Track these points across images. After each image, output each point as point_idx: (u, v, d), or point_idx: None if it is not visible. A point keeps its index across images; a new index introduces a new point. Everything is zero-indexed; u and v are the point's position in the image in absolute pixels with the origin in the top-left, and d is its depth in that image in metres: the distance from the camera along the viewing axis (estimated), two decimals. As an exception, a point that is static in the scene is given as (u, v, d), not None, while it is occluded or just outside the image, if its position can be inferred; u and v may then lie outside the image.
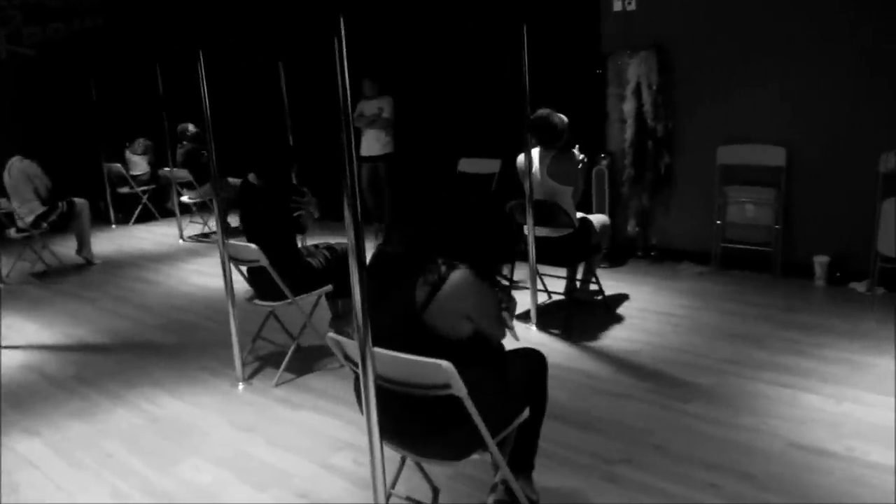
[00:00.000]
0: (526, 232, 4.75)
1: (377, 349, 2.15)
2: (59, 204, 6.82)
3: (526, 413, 2.43)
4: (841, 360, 3.87)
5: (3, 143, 7.57)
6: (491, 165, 6.95)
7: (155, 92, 7.83)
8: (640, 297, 5.16)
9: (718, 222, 5.66)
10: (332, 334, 2.39)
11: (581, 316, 4.74)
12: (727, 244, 5.68)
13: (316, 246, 4.24)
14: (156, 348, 4.68)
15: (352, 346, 2.31)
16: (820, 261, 5.18)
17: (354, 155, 2.01)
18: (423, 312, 2.19)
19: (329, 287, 4.11)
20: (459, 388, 2.08)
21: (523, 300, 4.95)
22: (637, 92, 5.83)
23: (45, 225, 6.75)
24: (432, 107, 7.59)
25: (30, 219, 6.66)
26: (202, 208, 8.53)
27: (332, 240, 4.54)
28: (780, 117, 5.33)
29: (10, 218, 6.75)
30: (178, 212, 8.17)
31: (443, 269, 2.20)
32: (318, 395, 3.79)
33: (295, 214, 3.98)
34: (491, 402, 2.22)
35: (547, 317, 4.76)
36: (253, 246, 3.73)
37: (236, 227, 8.22)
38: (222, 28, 8.93)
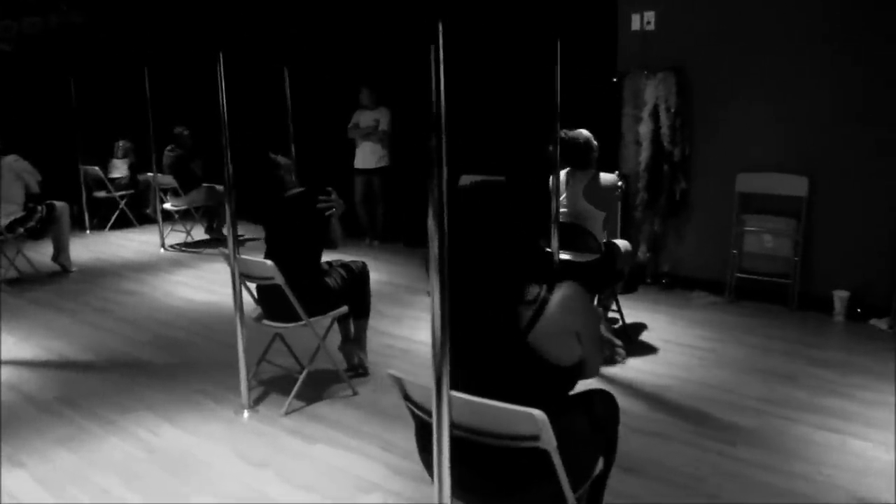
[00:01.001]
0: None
1: (454, 393, 1.87)
2: (39, 208, 6.40)
3: (601, 465, 2.18)
4: (882, 403, 3.69)
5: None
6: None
7: (141, 94, 7.46)
8: (657, 326, 4.95)
9: (734, 251, 5.49)
10: (393, 372, 2.10)
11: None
12: (742, 274, 5.50)
13: (329, 264, 3.94)
14: (145, 367, 4.32)
15: (419, 390, 2.02)
16: (840, 295, 5.02)
17: (442, 166, 1.75)
18: (527, 334, 1.93)
19: (345, 309, 3.82)
20: (549, 441, 1.81)
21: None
22: (654, 114, 5.65)
23: (21, 230, 6.32)
24: (431, 119, 7.32)
25: (5, 222, 6.24)
26: (185, 216, 8.15)
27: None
28: (804, 146, 5.19)
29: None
30: (160, 219, 7.77)
31: (542, 287, 1.96)
32: (332, 427, 3.48)
33: (327, 213, 3.68)
34: (574, 453, 1.96)
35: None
36: (268, 262, 3.43)
37: (215, 238, 7.95)
38: (228, 30, 8.60)
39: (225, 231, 8.08)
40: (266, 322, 3.76)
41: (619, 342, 2.29)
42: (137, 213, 9.09)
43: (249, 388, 3.74)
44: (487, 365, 2.02)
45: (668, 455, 3.20)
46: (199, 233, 8.14)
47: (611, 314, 4.80)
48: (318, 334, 3.68)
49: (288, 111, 5.74)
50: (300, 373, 4.03)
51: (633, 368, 4.19)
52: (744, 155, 5.46)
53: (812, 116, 5.11)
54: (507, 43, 6.59)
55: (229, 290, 5.90)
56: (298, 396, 3.71)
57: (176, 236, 8.12)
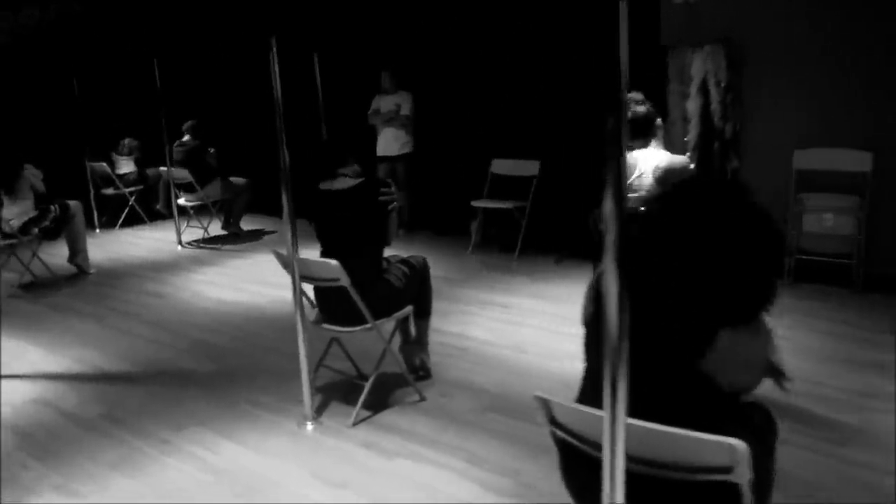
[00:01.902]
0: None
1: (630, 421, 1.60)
2: (52, 207, 6.08)
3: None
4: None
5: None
6: (528, 167, 6.44)
7: (150, 87, 7.11)
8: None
9: (793, 232, 5.23)
10: (540, 394, 1.83)
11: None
12: (801, 255, 5.25)
13: (387, 260, 3.66)
14: (189, 377, 4.04)
15: (573, 415, 1.75)
16: (909, 274, 4.78)
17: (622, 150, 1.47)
18: (701, 359, 1.66)
19: (410, 309, 3.55)
20: (742, 474, 1.55)
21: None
22: (703, 89, 5.37)
23: (35, 231, 6.00)
24: (458, 102, 7.04)
25: (18, 223, 5.92)
26: (200, 211, 7.83)
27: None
28: (866, 118, 4.92)
29: (-8, 222, 5.99)
30: (175, 215, 7.46)
31: None
32: (407, 438, 3.21)
33: (389, 208, 3.40)
34: (755, 484, 1.70)
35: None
36: (333, 262, 3.14)
37: (233, 233, 7.63)
38: (255, 18, 8.26)
39: (243, 226, 7.81)
40: (326, 326, 3.48)
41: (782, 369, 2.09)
42: (147, 209, 8.77)
43: (306, 397, 3.46)
44: (647, 388, 1.75)
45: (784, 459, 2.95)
46: (214, 228, 7.83)
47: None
48: (383, 338, 3.41)
49: (318, 98, 5.42)
50: (358, 378, 3.79)
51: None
52: (800, 130, 5.20)
53: (874, 87, 4.84)
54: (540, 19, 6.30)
55: (258, 289, 5.69)
56: (363, 404, 3.44)
57: (192, 232, 7.80)
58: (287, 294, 5.35)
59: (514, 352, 4.18)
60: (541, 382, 3.73)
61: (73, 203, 6.27)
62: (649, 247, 1.74)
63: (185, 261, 6.83)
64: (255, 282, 5.91)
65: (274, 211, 8.59)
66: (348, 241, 3.40)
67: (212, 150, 7.49)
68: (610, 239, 1.47)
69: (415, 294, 3.60)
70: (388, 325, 3.51)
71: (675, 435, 1.59)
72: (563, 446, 1.86)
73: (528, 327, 4.55)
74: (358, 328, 3.35)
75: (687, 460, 1.62)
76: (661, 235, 1.75)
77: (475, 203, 6.46)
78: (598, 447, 1.61)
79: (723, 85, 5.31)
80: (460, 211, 6.77)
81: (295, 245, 3.20)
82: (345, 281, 3.15)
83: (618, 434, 1.53)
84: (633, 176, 4.05)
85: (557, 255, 6.21)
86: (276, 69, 3.00)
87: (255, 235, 7.75)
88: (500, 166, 6.64)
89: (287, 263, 3.34)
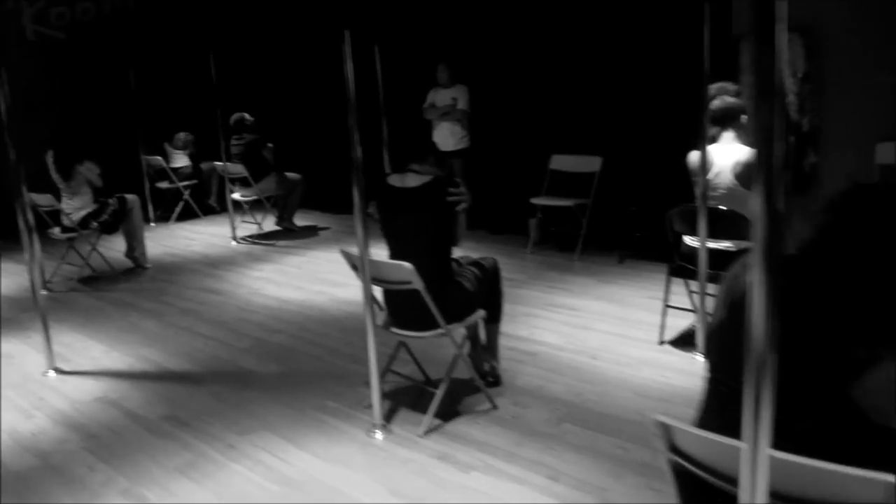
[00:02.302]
0: (689, 243, 4.06)
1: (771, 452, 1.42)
2: (110, 201, 6.08)
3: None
4: None
5: (34, 131, 6.78)
6: (589, 163, 6.24)
7: (205, 80, 7.08)
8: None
9: (876, 231, 4.95)
10: (663, 418, 1.67)
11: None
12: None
13: (458, 262, 3.51)
14: (253, 379, 3.96)
15: (702, 443, 1.59)
16: None
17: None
18: (853, 386, 1.49)
19: (482, 314, 3.40)
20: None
21: (679, 324, 4.27)
22: (780, 81, 5.11)
23: (94, 224, 6.01)
24: (516, 96, 6.86)
25: (78, 217, 5.92)
26: (254, 206, 7.79)
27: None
28: (960, 112, 4.62)
29: (52, 216, 6.01)
30: (230, 210, 7.43)
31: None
32: (482, 450, 3.07)
33: (458, 209, 3.26)
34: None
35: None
36: (406, 265, 3.00)
37: (287, 228, 7.56)
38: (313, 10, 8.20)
39: (296, 222, 7.75)
40: (395, 330, 3.35)
41: None
42: (200, 203, 8.79)
43: (376, 405, 3.34)
44: (788, 413, 1.57)
45: None
46: (268, 224, 7.79)
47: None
48: (456, 343, 3.27)
49: (379, 91, 5.29)
50: (425, 383, 3.67)
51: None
52: (884, 123, 4.91)
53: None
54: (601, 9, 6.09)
55: (318, 287, 5.60)
56: (434, 413, 3.31)
57: (245, 228, 7.77)
58: (347, 293, 5.31)
59: (585, 358, 4.01)
60: (616, 391, 3.57)
61: (130, 197, 6.27)
62: (810, 257, 1.56)
63: (241, 257, 6.79)
64: (314, 280, 5.83)
65: (326, 206, 8.54)
66: (417, 242, 3.26)
67: (270, 145, 7.42)
68: (758, 237, 1.31)
69: (485, 297, 3.45)
70: (461, 329, 3.37)
71: (822, 469, 1.41)
72: (684, 477, 1.70)
73: (597, 332, 4.37)
74: (430, 333, 3.21)
75: (834, 497, 1.44)
76: (829, 246, 1.57)
77: (535, 200, 6.29)
78: (732, 481, 1.46)
79: (800, 76, 5.05)
80: (518, 208, 6.61)
81: (366, 246, 3.08)
82: (418, 284, 3.02)
83: (760, 468, 1.37)
84: (711, 173, 3.85)
85: (620, 255, 6.01)
86: (350, 63, 2.86)
87: (310, 232, 7.68)
88: (560, 162, 6.44)
89: (357, 265, 3.22)
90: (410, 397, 3.58)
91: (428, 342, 3.43)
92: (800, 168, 5.20)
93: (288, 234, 7.60)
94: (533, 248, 6.35)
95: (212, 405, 3.63)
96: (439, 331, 3.18)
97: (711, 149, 3.88)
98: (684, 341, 4.16)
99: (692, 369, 3.79)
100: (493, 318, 3.58)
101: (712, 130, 3.87)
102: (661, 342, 4.17)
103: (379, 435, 3.22)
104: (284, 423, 3.40)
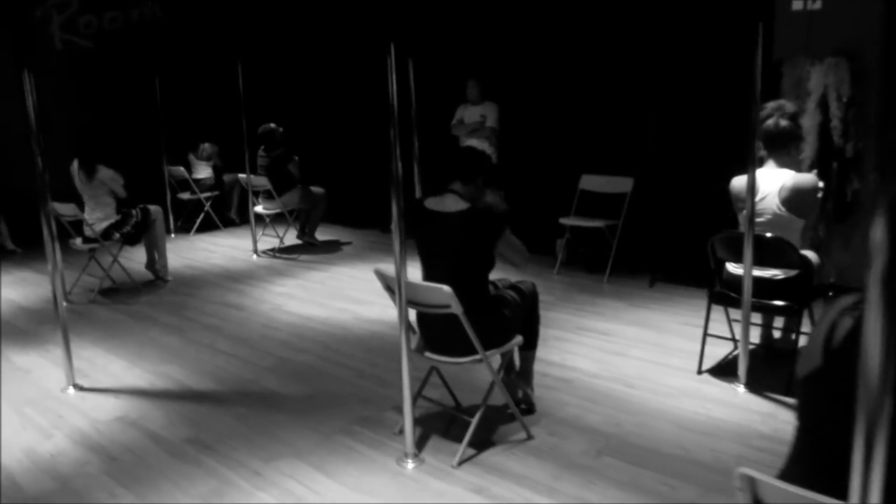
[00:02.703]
0: (732, 270, 3.92)
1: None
2: (133, 212, 6.00)
3: None
4: None
5: (61, 140, 6.74)
6: (621, 184, 6.10)
7: (232, 90, 7.02)
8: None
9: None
10: (747, 471, 1.52)
11: (782, 370, 3.86)
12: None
13: (495, 284, 3.38)
14: (276, 400, 3.83)
15: (796, 501, 1.44)
16: None
17: None
18: None
19: (520, 340, 3.27)
20: None
21: (717, 352, 4.12)
22: (822, 104, 4.97)
23: (117, 235, 5.92)
24: (545, 114, 6.76)
25: (100, 227, 5.85)
26: (276, 220, 7.70)
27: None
28: None
29: (75, 226, 5.93)
30: (252, 223, 7.34)
31: None
32: (520, 483, 2.92)
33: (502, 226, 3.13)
34: None
35: (755, 374, 3.87)
36: (446, 288, 2.88)
37: (308, 242, 7.45)
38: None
39: (318, 236, 7.65)
40: (428, 355, 3.22)
41: None
42: (220, 215, 8.72)
43: (402, 431, 3.21)
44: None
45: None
46: (289, 238, 7.69)
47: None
48: (492, 370, 3.13)
49: (412, 106, 5.18)
50: (456, 409, 3.54)
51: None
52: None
53: None
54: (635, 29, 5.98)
55: (342, 304, 5.47)
56: (462, 439, 3.16)
57: (266, 241, 7.68)
58: (372, 312, 5.19)
59: (622, 386, 3.86)
60: (656, 423, 3.42)
61: (153, 208, 6.20)
62: None
63: (262, 271, 6.69)
64: (338, 297, 5.71)
65: (348, 221, 8.45)
66: (452, 267, 3.12)
67: (296, 158, 7.33)
68: (877, 274, 1.17)
69: (522, 323, 3.32)
70: (498, 356, 3.24)
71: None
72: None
73: (633, 358, 4.22)
74: (467, 359, 3.08)
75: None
76: None
77: (564, 220, 6.16)
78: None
79: (845, 100, 4.90)
80: (545, 228, 6.48)
81: (404, 267, 2.95)
82: (456, 308, 2.89)
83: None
84: (756, 198, 3.71)
85: (651, 278, 5.86)
86: (394, 77, 2.75)
87: (332, 247, 7.58)
88: (590, 182, 6.31)
89: (391, 286, 3.10)
90: (441, 424, 3.45)
91: (459, 366, 3.30)
92: (842, 195, 5.04)
93: (309, 248, 7.50)
94: (560, 269, 6.21)
95: (236, 428, 3.51)
96: (476, 356, 3.05)
97: (758, 173, 3.74)
98: (724, 371, 4.00)
99: (734, 401, 3.64)
100: (530, 345, 3.44)
101: (761, 152, 3.74)
102: (700, 371, 4.01)
103: (410, 464, 3.09)
104: (311, 449, 3.27)
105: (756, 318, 4.16)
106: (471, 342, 2.99)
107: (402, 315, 3.02)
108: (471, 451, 3.15)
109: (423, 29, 7.25)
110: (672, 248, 5.90)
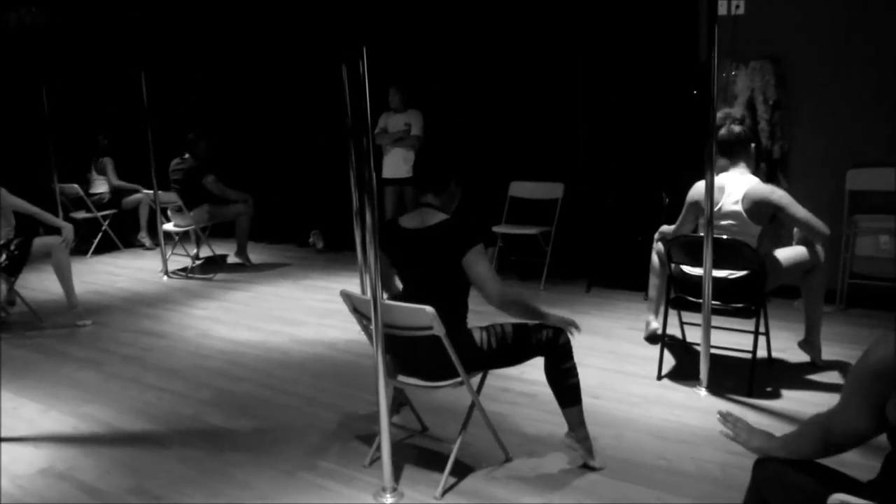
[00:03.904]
0: (687, 272, 3.91)
1: None
2: (12, 243, 5.26)
3: None
4: None
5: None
6: (551, 190, 6.08)
7: (136, 99, 6.53)
8: (784, 343, 4.36)
9: (846, 255, 4.98)
10: (841, 496, 1.41)
11: (737, 371, 3.88)
12: (855, 280, 5.00)
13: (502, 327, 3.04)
14: (224, 438, 3.49)
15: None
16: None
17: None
18: None
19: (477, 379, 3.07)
20: None
21: (670, 356, 4.10)
22: (750, 107, 5.09)
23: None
24: (472, 121, 6.65)
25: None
26: (185, 238, 7.22)
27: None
28: (926, 137, 4.70)
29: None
30: (162, 241, 6.84)
31: None
32: (510, 512, 2.76)
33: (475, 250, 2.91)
34: None
35: (713, 376, 3.87)
36: (429, 309, 2.67)
37: (216, 258, 6.96)
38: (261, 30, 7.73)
39: (218, 251, 7.21)
40: (403, 379, 3.00)
41: None
42: (121, 236, 8.10)
43: (373, 460, 2.98)
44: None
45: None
46: (201, 253, 7.23)
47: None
48: (473, 392, 2.95)
49: (347, 113, 4.88)
50: (423, 432, 3.33)
51: (796, 399, 3.59)
52: (853, 149, 4.96)
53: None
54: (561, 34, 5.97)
55: (274, 327, 5.11)
56: (443, 469, 2.96)
57: (173, 261, 7.18)
58: (307, 333, 4.90)
59: (587, 397, 3.68)
60: (632, 434, 3.35)
61: (47, 240, 5.42)
62: None
63: (177, 293, 6.24)
64: (268, 319, 5.37)
65: (262, 236, 8.05)
66: (437, 283, 2.90)
67: (211, 178, 6.76)
68: None
69: (503, 362, 3.01)
70: (476, 378, 3.05)
71: None
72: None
73: (590, 367, 4.14)
74: (447, 383, 2.88)
75: None
76: None
77: (496, 228, 6.06)
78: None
79: (771, 103, 5.04)
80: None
81: (379, 289, 2.73)
82: (439, 330, 2.69)
83: None
84: (724, 200, 3.74)
85: (588, 283, 5.84)
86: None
87: (248, 265, 7.17)
88: (520, 189, 6.26)
89: (361, 309, 2.86)
90: (412, 452, 3.23)
91: (422, 389, 3.09)
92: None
93: (227, 266, 7.07)
94: (494, 278, 6.09)
95: (184, 472, 3.16)
96: (457, 380, 2.86)
97: (723, 176, 3.77)
98: (682, 375, 3.99)
99: (699, 405, 3.62)
100: (568, 401, 3.06)
101: (721, 161, 3.75)
102: (660, 377, 3.98)
103: (389, 499, 2.85)
104: (276, 490, 2.98)
105: (695, 318, 4.11)
106: (448, 365, 2.79)
107: (378, 341, 2.78)
108: (451, 480, 2.96)
109: (342, 35, 7.00)
110: (606, 252, 5.91)
